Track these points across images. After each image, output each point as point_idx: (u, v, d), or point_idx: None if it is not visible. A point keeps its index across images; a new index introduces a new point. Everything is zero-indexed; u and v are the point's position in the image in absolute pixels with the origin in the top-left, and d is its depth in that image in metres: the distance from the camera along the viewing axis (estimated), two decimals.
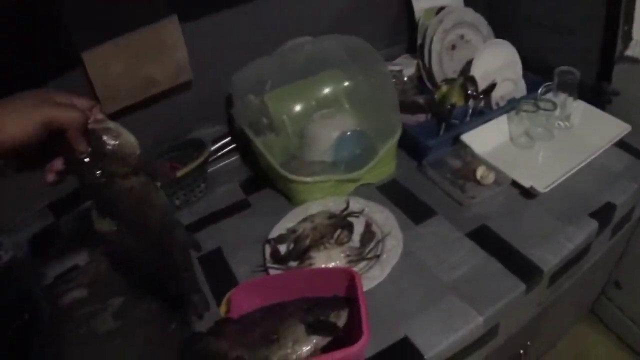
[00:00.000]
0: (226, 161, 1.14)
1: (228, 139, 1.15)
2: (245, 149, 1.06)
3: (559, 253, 0.81)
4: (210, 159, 1.12)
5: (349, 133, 0.95)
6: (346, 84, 0.99)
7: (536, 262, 0.79)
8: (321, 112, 0.97)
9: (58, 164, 0.52)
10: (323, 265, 0.81)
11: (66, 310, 0.72)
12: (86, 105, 0.52)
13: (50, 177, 0.52)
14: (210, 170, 1.11)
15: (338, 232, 0.86)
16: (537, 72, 1.15)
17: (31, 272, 0.89)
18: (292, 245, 0.86)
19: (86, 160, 0.52)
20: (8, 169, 0.51)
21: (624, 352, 1.46)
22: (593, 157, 0.95)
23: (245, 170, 1.11)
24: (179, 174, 0.96)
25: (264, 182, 1.04)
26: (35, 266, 0.91)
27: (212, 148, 1.11)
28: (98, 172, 0.53)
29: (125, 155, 0.54)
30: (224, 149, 1.15)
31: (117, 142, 0.53)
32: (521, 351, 1.14)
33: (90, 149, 0.52)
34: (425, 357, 0.67)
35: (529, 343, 1.14)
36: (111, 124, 0.53)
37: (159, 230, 0.60)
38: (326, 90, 1.00)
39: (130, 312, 0.71)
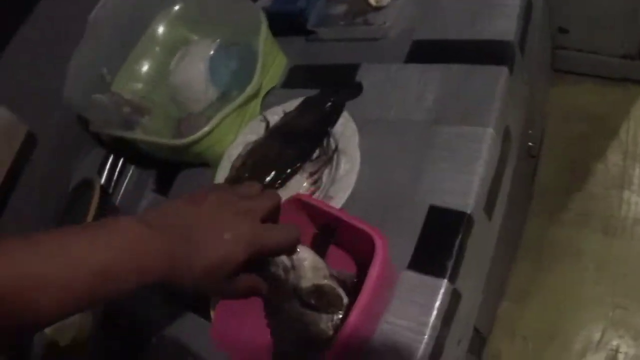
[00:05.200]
0: (127, 177, 0.93)
1: (112, 156, 0.93)
2: (133, 153, 0.85)
3: (511, 15, 0.66)
4: (111, 188, 0.91)
5: (211, 53, 0.76)
6: (177, 8, 0.83)
7: (498, 38, 0.64)
8: (175, 58, 0.80)
9: None
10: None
11: None
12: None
13: None
14: (119, 197, 0.90)
15: None
16: None
17: None
18: None
19: None
20: None
21: (606, 86, 1.40)
22: None
23: (149, 173, 0.90)
24: None
25: (172, 172, 0.84)
26: None
27: (103, 179, 0.90)
28: None
29: None
30: (116, 167, 0.93)
31: None
32: (530, 143, 1.04)
33: None
34: (468, 211, 0.53)
35: (530, 132, 1.03)
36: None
37: None
38: (162, 31, 0.83)
39: None
